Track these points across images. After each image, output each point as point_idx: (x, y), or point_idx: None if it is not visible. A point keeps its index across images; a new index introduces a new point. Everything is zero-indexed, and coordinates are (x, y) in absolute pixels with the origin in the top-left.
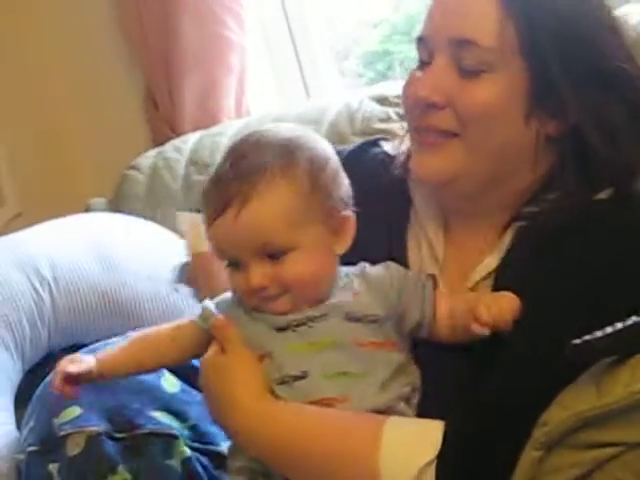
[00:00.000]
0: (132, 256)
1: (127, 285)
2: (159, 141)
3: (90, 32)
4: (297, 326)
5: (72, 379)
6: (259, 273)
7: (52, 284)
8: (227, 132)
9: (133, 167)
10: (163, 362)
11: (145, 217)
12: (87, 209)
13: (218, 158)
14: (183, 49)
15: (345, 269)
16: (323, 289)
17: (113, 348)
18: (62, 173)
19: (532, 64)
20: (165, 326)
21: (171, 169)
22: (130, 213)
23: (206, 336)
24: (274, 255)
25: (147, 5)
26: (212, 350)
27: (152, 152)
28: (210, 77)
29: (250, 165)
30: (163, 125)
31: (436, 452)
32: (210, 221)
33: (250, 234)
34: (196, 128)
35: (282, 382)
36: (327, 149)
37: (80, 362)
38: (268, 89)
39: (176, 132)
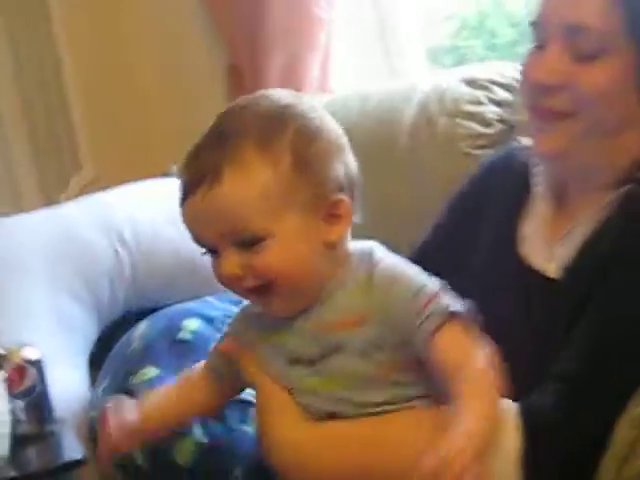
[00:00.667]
0: None
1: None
2: None
3: (175, 3)
4: (310, 362)
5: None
6: (230, 261)
7: (132, 246)
8: None
9: None
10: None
11: None
12: (166, 175)
13: None
14: (270, 23)
15: (355, 259)
16: (310, 284)
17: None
18: (140, 140)
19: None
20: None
21: None
22: None
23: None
24: (248, 242)
25: None
26: None
27: None
28: (295, 53)
29: (226, 136)
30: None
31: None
32: (182, 200)
33: (219, 218)
34: None
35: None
36: (323, 122)
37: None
38: (352, 67)
39: None
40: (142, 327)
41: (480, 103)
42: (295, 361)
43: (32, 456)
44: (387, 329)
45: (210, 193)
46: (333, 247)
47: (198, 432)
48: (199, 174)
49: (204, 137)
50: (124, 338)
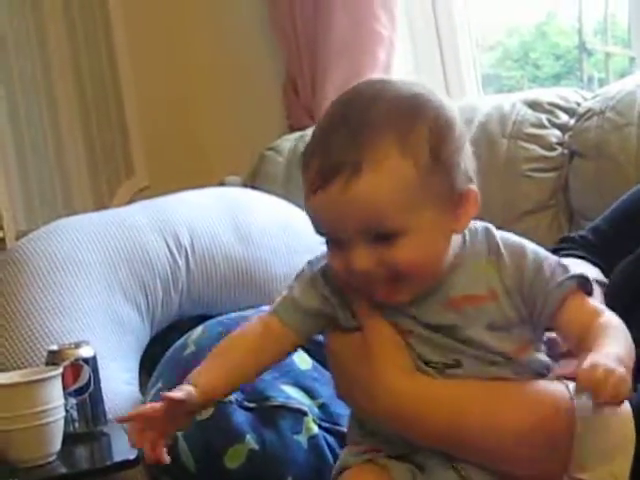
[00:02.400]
0: (269, 233)
1: (262, 260)
2: (296, 127)
3: (236, 13)
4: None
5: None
6: (364, 256)
7: (189, 251)
8: None
9: (272, 148)
10: (263, 365)
11: (281, 198)
12: (222, 185)
13: None
14: (332, 38)
15: (472, 236)
16: (438, 270)
17: (203, 368)
18: (193, 149)
19: None
20: (248, 329)
21: None
22: (266, 193)
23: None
24: (382, 237)
25: None
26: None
27: (293, 135)
28: (355, 69)
29: (360, 129)
30: (302, 112)
31: None
32: (312, 190)
33: (358, 211)
34: None
35: (433, 368)
36: (453, 111)
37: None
38: None
39: (314, 120)
40: (197, 332)
41: (543, 126)
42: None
43: (83, 454)
44: (516, 301)
45: (348, 186)
46: (459, 234)
47: (251, 438)
48: (335, 166)
49: (330, 127)
50: (179, 343)
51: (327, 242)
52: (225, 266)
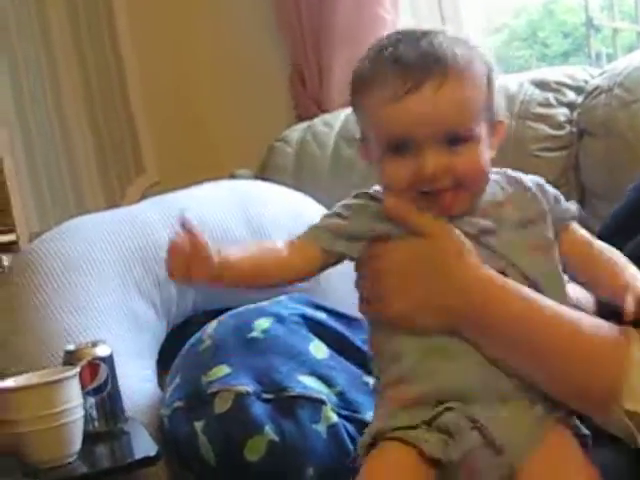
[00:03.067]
0: (280, 223)
1: None
2: (304, 117)
3: (240, 4)
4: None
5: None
6: (437, 158)
7: None
8: None
9: (281, 139)
10: (284, 277)
11: (292, 189)
12: (233, 177)
13: None
14: (336, 26)
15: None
16: (485, 187)
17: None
18: (202, 144)
19: None
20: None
21: (320, 143)
22: (276, 184)
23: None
24: (455, 142)
25: None
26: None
27: (301, 125)
28: (359, 53)
29: (437, 45)
30: (309, 102)
31: None
32: (399, 95)
33: (443, 113)
34: (342, 107)
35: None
36: None
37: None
38: None
39: (322, 109)
40: (213, 326)
41: (550, 105)
42: None
43: (104, 453)
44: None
45: (439, 89)
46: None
47: (270, 429)
48: (426, 70)
49: (406, 50)
50: (195, 337)
51: (388, 152)
52: None
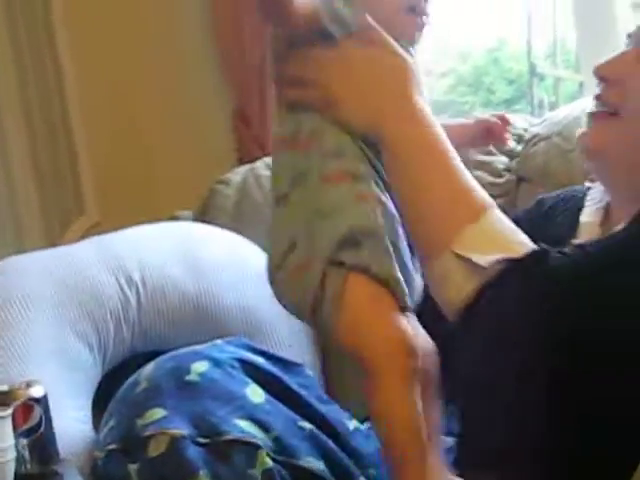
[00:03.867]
0: (219, 266)
1: (213, 294)
2: (246, 159)
3: (183, 45)
4: None
5: None
6: None
7: (140, 286)
8: None
9: (222, 182)
10: None
11: (232, 231)
12: (173, 219)
13: None
14: None
15: None
16: None
17: None
18: (143, 184)
19: None
20: None
21: (262, 186)
22: (217, 226)
23: None
24: None
25: (244, 21)
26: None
27: (242, 168)
28: None
29: None
30: (252, 144)
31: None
32: None
33: None
34: None
35: None
36: None
37: None
38: None
39: (265, 151)
40: (149, 369)
41: (490, 153)
42: None
43: None
44: None
45: None
46: None
47: (204, 474)
48: None
49: None
50: (131, 379)
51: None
52: (176, 300)
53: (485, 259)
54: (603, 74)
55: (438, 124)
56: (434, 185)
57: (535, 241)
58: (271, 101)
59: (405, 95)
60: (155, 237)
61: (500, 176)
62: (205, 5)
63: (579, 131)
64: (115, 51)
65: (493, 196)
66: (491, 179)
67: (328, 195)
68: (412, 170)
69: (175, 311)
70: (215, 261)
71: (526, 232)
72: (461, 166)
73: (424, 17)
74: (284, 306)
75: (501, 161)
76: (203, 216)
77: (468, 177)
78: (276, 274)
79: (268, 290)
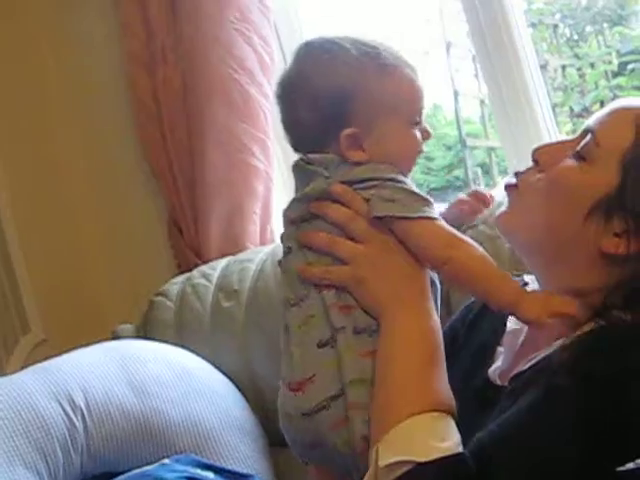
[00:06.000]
0: (163, 382)
1: (159, 411)
2: (184, 267)
3: (115, 160)
4: None
5: None
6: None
7: (85, 411)
8: (255, 258)
9: (160, 294)
10: None
11: (174, 343)
12: (114, 335)
13: (247, 284)
14: (208, 176)
15: None
16: None
17: None
18: (87, 300)
19: (624, 184)
20: None
21: (199, 296)
22: (158, 339)
23: None
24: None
25: (173, 133)
26: None
27: (179, 278)
28: (235, 204)
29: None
30: (188, 251)
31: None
32: (414, 72)
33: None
34: (221, 254)
35: None
36: None
37: None
38: None
39: (201, 258)
40: None
41: None
42: None
43: None
44: None
45: None
46: None
47: None
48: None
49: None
50: None
51: (411, 126)
52: (122, 421)
53: (387, 459)
54: (536, 157)
55: (437, 327)
56: (405, 370)
57: (460, 352)
58: (202, 208)
59: (413, 297)
60: (97, 359)
61: None
62: (133, 122)
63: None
64: (49, 170)
65: None
66: None
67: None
68: (395, 351)
69: (122, 432)
70: (158, 378)
71: (452, 344)
72: (440, 364)
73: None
74: (312, 440)
75: None
76: (145, 329)
77: (441, 376)
78: (319, 413)
79: (214, 401)
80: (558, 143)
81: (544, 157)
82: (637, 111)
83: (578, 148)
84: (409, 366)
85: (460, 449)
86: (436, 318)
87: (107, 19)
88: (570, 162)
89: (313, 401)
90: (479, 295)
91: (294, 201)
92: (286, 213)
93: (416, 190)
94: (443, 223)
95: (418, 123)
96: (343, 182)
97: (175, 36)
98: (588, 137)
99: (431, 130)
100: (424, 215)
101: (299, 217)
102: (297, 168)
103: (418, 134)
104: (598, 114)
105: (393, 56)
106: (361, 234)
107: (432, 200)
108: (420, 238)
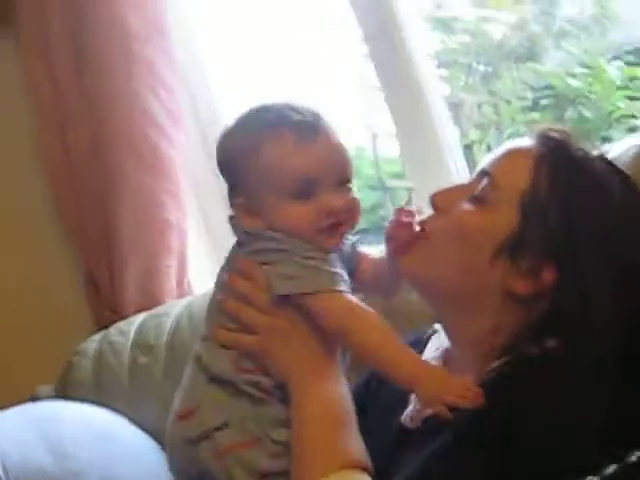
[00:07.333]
0: (82, 444)
1: (79, 474)
2: (102, 324)
3: (28, 220)
4: None
5: None
6: (339, 196)
7: (3, 478)
8: (171, 312)
9: (78, 353)
10: None
11: (93, 403)
12: (33, 397)
13: (164, 339)
14: (122, 232)
15: None
16: None
17: None
18: (3, 363)
19: (525, 224)
20: None
21: (116, 353)
22: (78, 399)
23: None
24: (347, 182)
25: (85, 191)
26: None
27: (96, 336)
28: (150, 259)
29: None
30: (104, 308)
31: None
32: (299, 145)
33: (342, 157)
34: (138, 309)
35: None
36: None
37: None
38: (208, 268)
39: (119, 315)
40: None
41: None
42: None
43: None
44: None
45: (331, 138)
46: None
47: None
48: (315, 126)
49: (286, 114)
50: None
51: (295, 198)
52: None
53: None
54: (435, 203)
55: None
56: (309, 438)
57: (378, 395)
58: (118, 263)
59: (320, 366)
60: (14, 424)
61: None
62: (45, 181)
63: None
64: None
65: None
66: None
67: None
68: (303, 421)
69: None
70: (77, 440)
71: (369, 390)
72: (352, 427)
73: (347, 224)
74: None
75: None
76: (64, 390)
77: (354, 436)
78: (200, 442)
79: (136, 460)
80: (455, 187)
81: (443, 203)
82: (531, 152)
83: (476, 192)
84: (320, 431)
85: None
86: (345, 384)
87: (12, 76)
88: (468, 206)
89: (198, 429)
90: (379, 367)
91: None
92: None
93: (314, 263)
94: (345, 295)
95: (308, 196)
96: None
97: (82, 94)
98: (485, 180)
99: (335, 201)
100: (323, 289)
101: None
102: None
103: (310, 208)
104: (492, 156)
105: (275, 130)
106: (265, 307)
107: (337, 269)
108: (321, 312)
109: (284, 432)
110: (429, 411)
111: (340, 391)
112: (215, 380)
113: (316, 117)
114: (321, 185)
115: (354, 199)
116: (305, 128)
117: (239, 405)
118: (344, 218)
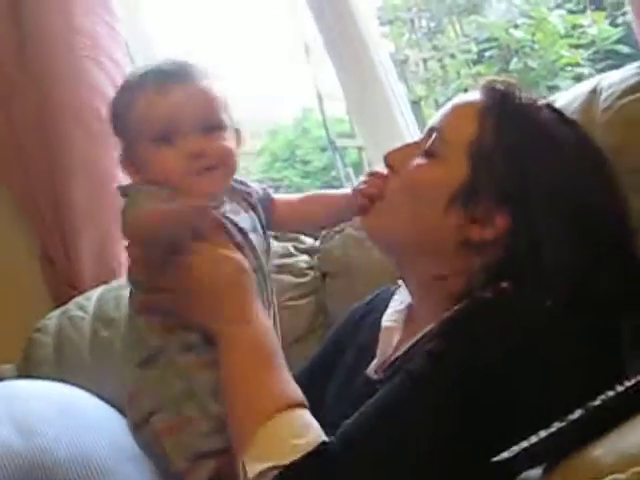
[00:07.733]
0: (47, 418)
1: (46, 450)
2: (60, 300)
3: None
4: None
5: None
6: (202, 141)
7: None
8: None
9: (38, 330)
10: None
11: (56, 379)
12: None
13: (124, 311)
14: (74, 206)
15: None
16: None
17: None
18: None
19: (475, 174)
20: None
21: (77, 328)
22: (40, 377)
23: None
24: (213, 128)
25: (34, 168)
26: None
27: (56, 312)
28: (104, 231)
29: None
30: (61, 283)
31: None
32: (160, 91)
33: (207, 102)
34: (95, 283)
35: None
36: None
37: None
38: None
39: (77, 289)
40: None
41: (290, 255)
42: None
43: None
44: None
45: (200, 83)
46: None
47: None
48: (182, 72)
49: (151, 72)
50: None
51: (156, 141)
52: (11, 466)
53: (254, 469)
54: (389, 162)
55: (268, 323)
56: (246, 381)
57: (343, 355)
58: (73, 240)
59: (238, 300)
60: None
61: (304, 275)
62: None
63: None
64: None
65: (300, 296)
66: (295, 280)
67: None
68: (232, 366)
69: (10, 475)
70: (43, 417)
71: (335, 349)
72: (277, 364)
73: (219, 169)
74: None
75: (302, 260)
76: (26, 368)
77: (281, 375)
78: (142, 427)
79: (103, 434)
80: (406, 145)
81: (396, 161)
82: (477, 105)
83: (426, 147)
84: (248, 378)
85: (320, 439)
86: (263, 319)
87: None
88: (420, 160)
89: (138, 414)
90: None
91: None
92: None
93: None
94: None
95: (171, 140)
96: None
97: (25, 68)
98: (434, 135)
99: (198, 145)
100: None
101: None
102: None
103: (176, 151)
104: (440, 112)
105: (142, 81)
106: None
107: None
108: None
109: (222, 403)
110: (389, 361)
111: (261, 332)
112: (149, 360)
113: (185, 66)
114: (185, 129)
115: (224, 145)
116: (168, 75)
117: (171, 384)
118: (215, 163)
